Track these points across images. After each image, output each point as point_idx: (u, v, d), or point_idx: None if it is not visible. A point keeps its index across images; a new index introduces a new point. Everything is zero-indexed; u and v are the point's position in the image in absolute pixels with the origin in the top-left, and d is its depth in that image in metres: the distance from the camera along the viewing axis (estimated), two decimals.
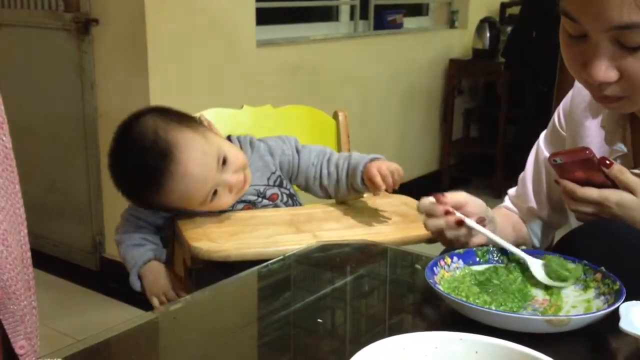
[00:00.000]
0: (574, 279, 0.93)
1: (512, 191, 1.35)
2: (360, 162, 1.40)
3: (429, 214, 1.06)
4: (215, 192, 1.32)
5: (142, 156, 1.29)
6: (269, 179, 1.45)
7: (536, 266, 0.96)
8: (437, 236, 1.09)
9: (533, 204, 1.28)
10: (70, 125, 2.83)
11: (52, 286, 2.82)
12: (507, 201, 1.35)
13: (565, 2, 0.93)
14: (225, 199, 1.35)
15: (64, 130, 2.88)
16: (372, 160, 1.40)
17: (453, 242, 1.07)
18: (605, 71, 0.92)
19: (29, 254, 1.03)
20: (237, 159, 1.35)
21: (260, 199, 1.43)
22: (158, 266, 1.40)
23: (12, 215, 0.98)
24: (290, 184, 1.50)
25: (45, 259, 2.93)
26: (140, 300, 2.60)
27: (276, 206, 1.45)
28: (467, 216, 1.05)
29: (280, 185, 1.46)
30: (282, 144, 1.49)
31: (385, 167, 1.36)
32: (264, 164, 1.45)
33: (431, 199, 1.07)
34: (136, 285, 1.41)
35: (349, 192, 1.44)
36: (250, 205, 1.42)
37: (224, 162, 1.33)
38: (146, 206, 1.39)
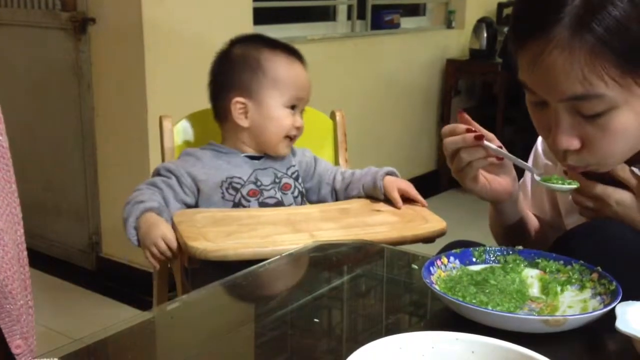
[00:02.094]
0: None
1: None
2: (380, 171, 1.48)
3: (451, 134, 1.03)
4: (292, 108, 1.48)
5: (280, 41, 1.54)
6: (288, 169, 1.51)
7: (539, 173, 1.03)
8: (451, 160, 1.04)
9: (534, 210, 1.27)
10: (67, 125, 2.83)
11: (48, 286, 2.81)
12: None
13: (521, 73, 0.95)
14: (288, 120, 1.47)
15: (61, 130, 2.88)
16: (389, 173, 1.48)
17: (465, 170, 1.03)
18: (567, 139, 0.93)
19: (25, 253, 1.03)
20: (302, 124, 1.51)
21: (269, 186, 1.46)
22: (154, 217, 1.33)
23: (9, 215, 0.98)
24: (303, 184, 1.54)
25: (41, 259, 2.93)
26: (137, 300, 2.61)
27: (280, 202, 1.46)
28: None
29: (296, 179, 1.52)
30: (303, 149, 1.59)
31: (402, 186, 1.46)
32: (287, 157, 1.53)
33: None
34: (132, 236, 1.34)
35: (357, 193, 1.50)
36: (257, 190, 1.44)
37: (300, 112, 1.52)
38: (237, 56, 1.50)
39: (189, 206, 1.43)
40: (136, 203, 1.36)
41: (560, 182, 1.00)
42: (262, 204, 1.44)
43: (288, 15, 3.34)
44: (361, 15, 3.67)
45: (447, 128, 1.04)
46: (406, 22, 4.03)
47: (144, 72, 2.50)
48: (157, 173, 1.46)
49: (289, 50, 1.52)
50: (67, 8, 2.68)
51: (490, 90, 4.21)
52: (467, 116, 1.05)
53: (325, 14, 3.62)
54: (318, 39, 3.32)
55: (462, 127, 1.03)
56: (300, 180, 1.53)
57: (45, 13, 2.78)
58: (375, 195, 1.46)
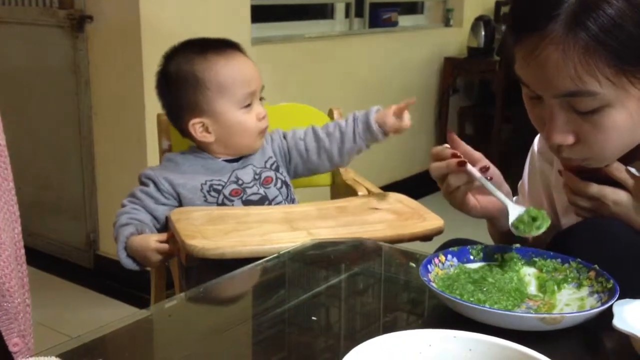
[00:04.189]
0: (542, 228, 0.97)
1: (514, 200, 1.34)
2: (372, 110, 1.49)
3: (437, 158, 1.05)
4: (248, 107, 1.45)
5: (212, 39, 1.49)
6: (266, 162, 1.50)
7: (514, 213, 0.99)
8: (440, 184, 1.06)
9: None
10: (65, 123, 2.83)
11: (46, 284, 2.81)
12: None
13: (517, 67, 0.95)
14: (251, 121, 1.45)
15: (59, 128, 2.88)
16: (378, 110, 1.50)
17: (453, 194, 1.05)
18: (561, 135, 0.94)
19: (23, 251, 1.03)
20: (265, 112, 1.49)
21: (251, 183, 1.45)
22: (137, 241, 1.36)
23: (6, 213, 0.98)
24: (287, 173, 1.53)
25: (39, 257, 2.93)
26: (135, 298, 2.61)
27: (265, 197, 1.45)
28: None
29: (276, 170, 1.51)
30: (272, 133, 1.56)
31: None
32: (262, 150, 1.52)
33: (446, 145, 1.05)
34: (129, 266, 1.39)
35: (355, 142, 1.50)
36: (240, 190, 1.44)
37: (261, 98, 1.49)
38: (182, 79, 1.44)
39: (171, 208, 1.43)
40: (119, 227, 1.40)
41: (530, 226, 0.99)
42: (247, 202, 1.44)
43: (286, 13, 3.34)
44: (359, 13, 3.67)
45: (434, 151, 1.06)
46: (404, 20, 4.03)
47: (141, 70, 2.50)
48: (139, 181, 1.48)
49: (220, 47, 1.46)
50: (65, 6, 2.68)
51: (488, 89, 4.21)
52: (455, 137, 1.06)
53: (323, 12, 3.62)
54: (316, 37, 3.32)
55: (448, 152, 1.04)
56: (280, 171, 1.51)
57: (42, 11, 2.78)
58: (376, 138, 1.49)
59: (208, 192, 1.43)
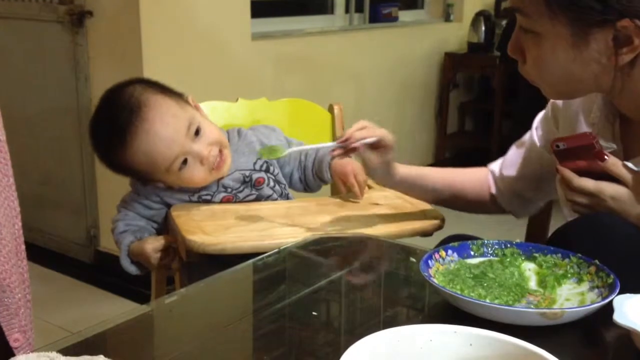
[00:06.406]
0: None
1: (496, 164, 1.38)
2: (328, 154, 1.44)
3: None
4: (185, 162, 1.33)
5: (113, 112, 1.32)
6: (255, 163, 1.45)
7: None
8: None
9: (512, 170, 1.33)
10: (65, 118, 2.83)
11: (46, 279, 2.81)
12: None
13: None
14: (197, 172, 1.35)
15: (59, 123, 2.87)
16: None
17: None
18: (513, 49, 1.07)
19: (23, 246, 1.04)
20: (212, 133, 1.36)
21: (241, 188, 1.42)
22: (137, 246, 1.38)
23: (7, 208, 0.98)
24: (279, 170, 1.48)
25: (39, 252, 2.93)
26: (135, 293, 2.62)
27: (260, 197, 1.44)
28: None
29: (266, 170, 1.45)
30: (272, 132, 1.51)
31: (360, 173, 1.41)
32: (250, 150, 1.45)
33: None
34: (131, 270, 1.41)
35: (314, 180, 1.50)
36: (231, 196, 1.42)
37: (197, 132, 1.34)
38: (116, 168, 1.39)
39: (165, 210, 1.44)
40: (118, 235, 1.42)
41: None
42: None
43: (286, 8, 3.34)
44: (359, 9, 3.67)
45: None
46: (404, 15, 4.03)
47: (141, 66, 2.50)
48: (130, 186, 1.47)
49: (128, 120, 1.30)
50: (65, 1, 2.67)
51: (488, 84, 4.21)
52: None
53: (323, 7, 3.61)
54: (316, 32, 3.31)
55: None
56: (271, 170, 1.45)
57: (42, 6, 2.78)
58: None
59: (197, 202, 1.41)
